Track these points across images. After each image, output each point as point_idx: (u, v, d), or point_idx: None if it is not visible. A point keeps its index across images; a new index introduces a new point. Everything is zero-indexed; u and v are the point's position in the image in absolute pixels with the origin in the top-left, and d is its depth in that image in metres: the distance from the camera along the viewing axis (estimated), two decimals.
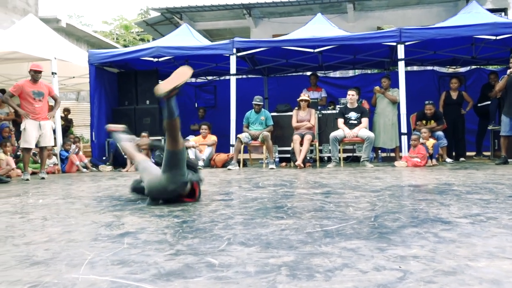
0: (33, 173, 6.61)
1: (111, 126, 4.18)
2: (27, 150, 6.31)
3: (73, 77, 9.39)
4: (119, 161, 7.79)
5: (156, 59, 8.63)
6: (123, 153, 7.77)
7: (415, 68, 10.18)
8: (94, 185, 5.01)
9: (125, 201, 3.52)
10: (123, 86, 8.80)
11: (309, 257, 1.71)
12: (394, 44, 7.18)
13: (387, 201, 3.12)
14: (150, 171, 3.45)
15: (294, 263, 1.63)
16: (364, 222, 2.38)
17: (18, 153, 7.15)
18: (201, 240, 2.05)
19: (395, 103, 7.45)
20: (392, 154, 8.32)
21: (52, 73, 7.54)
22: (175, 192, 3.21)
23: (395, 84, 7.53)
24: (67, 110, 10.31)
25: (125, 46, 18.83)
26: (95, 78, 8.23)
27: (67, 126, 9.75)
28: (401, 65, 7.08)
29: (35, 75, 6.24)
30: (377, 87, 7.67)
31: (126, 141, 3.83)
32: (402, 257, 1.67)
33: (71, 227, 2.47)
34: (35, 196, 4.09)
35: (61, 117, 8.96)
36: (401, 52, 7.04)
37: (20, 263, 1.75)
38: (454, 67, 9.83)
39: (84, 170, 7.58)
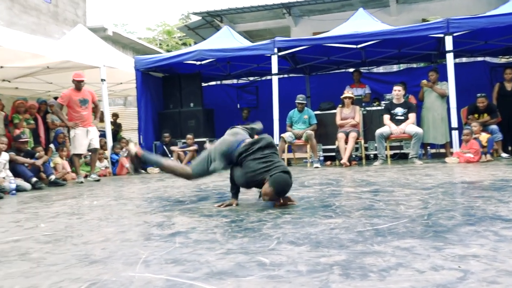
0: (85, 176, 6.91)
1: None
2: (78, 155, 6.62)
3: (121, 83, 9.74)
4: None
5: (199, 62, 8.80)
6: (169, 156, 7.97)
7: (464, 59, 9.73)
8: (143, 187, 5.17)
9: (174, 201, 3.60)
10: (167, 90, 9.03)
11: (362, 256, 1.67)
12: (442, 35, 6.89)
13: (440, 198, 3.00)
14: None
15: (346, 262, 1.60)
16: (417, 220, 2.30)
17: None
18: (251, 239, 2.06)
19: (444, 96, 7.16)
20: (442, 150, 7.99)
21: (101, 80, 7.87)
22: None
23: (443, 77, 7.24)
24: (115, 115, 10.71)
25: (168, 51, 19.31)
26: (141, 83, 8.51)
27: (115, 130, 10.12)
28: (449, 57, 6.79)
29: (78, 84, 6.55)
30: (424, 81, 7.39)
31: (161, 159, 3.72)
32: (461, 257, 1.59)
33: (125, 227, 2.56)
34: (89, 198, 4.27)
35: (110, 122, 9.32)
36: (449, 43, 6.75)
37: (79, 261, 1.83)
38: (507, 57, 9.31)
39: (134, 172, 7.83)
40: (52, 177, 6.14)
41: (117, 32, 15.67)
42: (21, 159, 6.00)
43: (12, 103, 8.03)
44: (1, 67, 7.15)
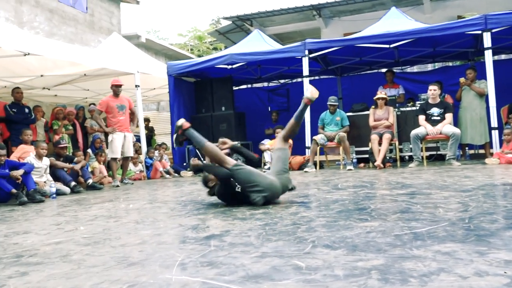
0: (121, 180, 7.08)
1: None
2: (115, 159, 6.82)
3: (154, 89, 9.95)
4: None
5: (230, 66, 8.87)
6: (202, 159, 8.06)
7: (503, 56, 9.36)
8: (177, 190, 5.24)
9: (208, 205, 3.63)
10: (199, 94, 9.15)
11: (400, 260, 1.62)
12: (479, 32, 6.66)
13: (481, 201, 2.89)
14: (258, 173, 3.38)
15: (384, 266, 1.56)
16: (458, 224, 2.22)
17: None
18: (285, 242, 2.04)
19: (483, 95, 6.90)
20: (481, 151, 7.70)
21: (136, 85, 8.07)
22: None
23: (481, 76, 6.99)
24: (147, 120, 10.94)
25: (199, 56, 19.59)
26: (174, 88, 8.66)
27: (149, 135, 10.34)
28: (488, 55, 6.55)
29: (117, 89, 6.79)
30: (462, 78, 7.13)
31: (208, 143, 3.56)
32: (507, 262, 1.52)
33: (161, 230, 2.60)
34: (125, 201, 4.37)
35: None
36: (487, 40, 6.51)
37: (118, 263, 1.87)
38: None
39: (167, 176, 7.98)
40: (90, 181, 6.34)
41: (150, 39, 16.04)
42: (60, 164, 6.22)
43: (51, 110, 8.35)
44: (42, 75, 7.46)
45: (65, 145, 6.63)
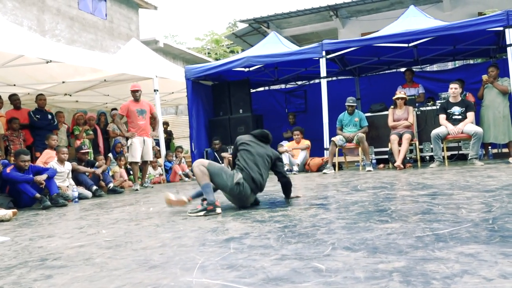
0: (141, 184, 7.17)
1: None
2: (135, 163, 6.90)
3: (172, 93, 10.06)
4: None
5: (247, 69, 8.90)
6: (220, 162, 8.10)
7: None
8: None
9: (227, 207, 3.64)
10: (217, 97, 9.21)
11: (422, 262, 1.60)
12: (501, 28, 6.52)
13: (505, 201, 2.82)
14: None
15: (406, 269, 1.54)
16: (481, 225, 2.17)
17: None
18: (305, 244, 2.04)
19: (506, 93, 6.73)
20: (505, 150, 7.51)
21: (154, 90, 8.16)
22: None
23: (504, 73, 6.83)
24: (165, 123, 11.06)
25: (216, 59, 19.70)
26: (192, 92, 8.73)
27: (168, 138, 10.44)
28: (510, 51, 6.40)
29: (135, 94, 6.85)
30: (485, 76, 6.95)
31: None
32: None
33: (181, 233, 2.62)
34: (146, 205, 4.43)
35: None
36: (510, 36, 6.36)
37: (139, 266, 1.90)
38: None
39: (186, 179, 8.04)
40: (111, 185, 6.44)
41: (168, 44, 16.22)
42: (82, 168, 6.34)
43: (72, 116, 8.53)
44: (63, 82, 7.63)
45: (86, 150, 6.75)
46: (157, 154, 8.36)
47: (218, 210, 3.32)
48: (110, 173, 7.20)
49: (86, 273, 1.85)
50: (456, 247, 1.78)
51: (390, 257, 1.71)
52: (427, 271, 1.50)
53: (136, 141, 6.80)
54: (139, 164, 7.04)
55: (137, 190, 6.58)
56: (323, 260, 1.74)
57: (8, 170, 5.09)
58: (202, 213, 3.30)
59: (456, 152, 7.25)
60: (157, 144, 8.50)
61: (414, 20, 7.64)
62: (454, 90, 6.55)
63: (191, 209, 3.43)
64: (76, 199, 5.53)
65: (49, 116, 7.31)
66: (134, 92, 6.90)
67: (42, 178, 5.18)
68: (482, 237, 1.92)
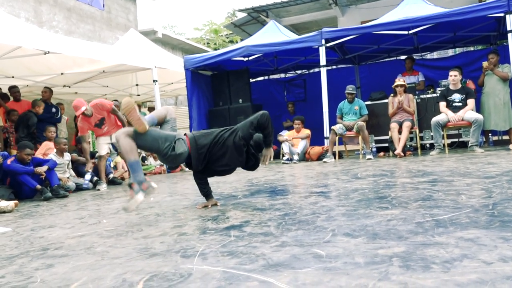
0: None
1: None
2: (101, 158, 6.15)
3: (171, 83, 10.02)
4: None
5: (246, 58, 8.85)
6: None
7: None
8: None
9: (227, 196, 3.65)
10: (216, 87, 9.17)
11: (422, 247, 1.60)
12: (502, 15, 6.47)
13: (505, 187, 2.82)
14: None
15: (406, 254, 1.54)
16: (481, 210, 2.18)
17: None
18: (305, 231, 2.04)
19: (507, 80, 6.70)
20: (505, 137, 7.51)
21: (154, 80, 8.13)
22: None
23: (504, 60, 6.79)
24: None
25: (215, 49, 19.61)
26: (191, 82, 8.69)
27: None
28: (511, 38, 6.36)
29: (84, 114, 5.80)
30: (485, 63, 6.91)
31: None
32: None
33: (181, 222, 2.63)
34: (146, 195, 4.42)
35: None
36: (510, 22, 6.32)
37: (140, 254, 1.90)
38: None
39: (187, 169, 8.04)
40: (111, 176, 6.45)
41: (167, 34, 16.11)
42: (82, 159, 6.34)
43: (72, 107, 8.50)
44: (62, 73, 7.60)
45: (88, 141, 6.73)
46: None
47: (154, 184, 2.90)
48: (112, 164, 7.20)
49: (87, 262, 1.86)
50: (456, 232, 1.78)
51: (390, 242, 1.71)
52: (427, 255, 1.50)
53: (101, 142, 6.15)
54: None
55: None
56: (323, 246, 1.75)
57: (8, 162, 5.09)
58: (141, 197, 2.80)
59: (456, 140, 7.25)
60: None
61: (414, 7, 7.58)
62: (453, 77, 6.52)
63: (124, 206, 2.85)
64: (87, 182, 5.92)
65: (53, 110, 7.28)
66: (82, 114, 5.78)
67: (42, 169, 5.19)
68: (482, 222, 1.93)
